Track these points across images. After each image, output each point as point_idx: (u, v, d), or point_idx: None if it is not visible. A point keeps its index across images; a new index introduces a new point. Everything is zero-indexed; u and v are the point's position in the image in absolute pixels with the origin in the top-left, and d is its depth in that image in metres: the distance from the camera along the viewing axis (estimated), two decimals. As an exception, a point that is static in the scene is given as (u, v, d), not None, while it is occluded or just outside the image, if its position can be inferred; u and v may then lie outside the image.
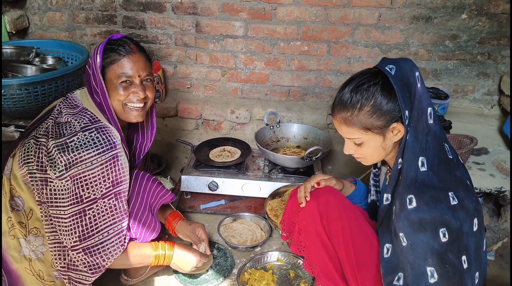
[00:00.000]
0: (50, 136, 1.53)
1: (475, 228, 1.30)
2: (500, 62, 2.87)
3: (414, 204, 1.25)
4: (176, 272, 1.96)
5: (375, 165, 1.65)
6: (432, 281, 1.23)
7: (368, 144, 1.38)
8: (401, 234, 1.27)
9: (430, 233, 1.23)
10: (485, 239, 1.40)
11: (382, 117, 1.32)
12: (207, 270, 1.97)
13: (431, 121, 1.32)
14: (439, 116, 2.44)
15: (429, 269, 1.23)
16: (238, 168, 2.45)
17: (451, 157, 1.35)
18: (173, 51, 3.05)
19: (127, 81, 1.58)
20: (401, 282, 1.29)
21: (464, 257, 1.24)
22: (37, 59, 2.57)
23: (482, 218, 1.35)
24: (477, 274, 1.30)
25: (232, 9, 2.86)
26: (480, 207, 1.35)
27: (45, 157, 1.50)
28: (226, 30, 2.93)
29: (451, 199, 1.26)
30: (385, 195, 1.42)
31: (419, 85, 1.31)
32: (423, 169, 1.29)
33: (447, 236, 1.22)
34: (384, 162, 1.59)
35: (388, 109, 1.31)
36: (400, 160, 1.33)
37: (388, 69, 1.32)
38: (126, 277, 1.90)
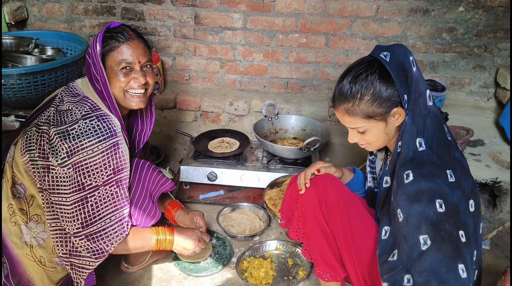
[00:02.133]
0: (51, 123, 1.55)
1: (472, 209, 1.31)
2: (496, 55, 2.90)
3: (411, 177, 1.27)
4: (176, 259, 1.99)
5: (371, 152, 1.67)
6: (424, 248, 1.20)
7: (372, 131, 1.41)
8: (398, 211, 1.28)
9: (425, 202, 1.23)
10: (482, 224, 1.42)
11: (383, 104, 1.34)
12: (207, 258, 1.99)
13: (430, 103, 1.35)
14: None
15: (421, 237, 1.21)
16: (237, 159, 2.47)
17: (450, 139, 1.38)
18: (172, 43, 3.06)
19: (128, 67, 1.59)
20: (395, 257, 1.27)
21: (462, 232, 1.24)
22: (36, 50, 2.57)
23: (479, 201, 1.37)
24: (475, 252, 1.31)
25: (231, 1, 2.87)
26: (477, 190, 1.37)
27: (46, 145, 1.52)
28: (225, 22, 2.94)
29: (449, 176, 1.28)
30: (384, 178, 1.44)
31: (414, 69, 1.34)
32: (421, 148, 1.31)
33: (443, 207, 1.22)
34: (381, 149, 1.62)
35: (388, 95, 1.34)
36: (399, 143, 1.35)
37: (383, 56, 1.34)
38: (126, 265, 1.93)
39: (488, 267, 2.05)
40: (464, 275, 1.17)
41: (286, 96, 3.07)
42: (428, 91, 1.36)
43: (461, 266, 1.18)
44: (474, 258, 1.31)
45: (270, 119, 2.71)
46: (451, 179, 1.27)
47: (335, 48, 2.96)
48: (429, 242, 1.20)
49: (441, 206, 1.22)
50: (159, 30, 3.02)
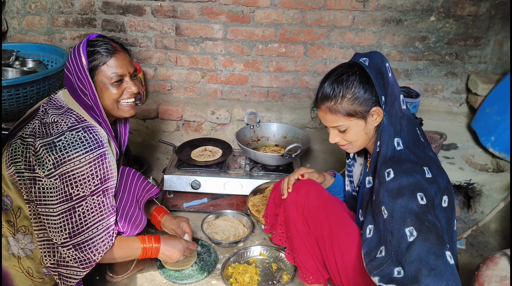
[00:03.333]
0: (37, 136, 1.56)
1: (444, 204, 1.40)
2: (467, 62, 3.03)
3: (392, 175, 1.34)
4: (161, 267, 2.01)
5: (348, 156, 1.74)
6: (411, 239, 1.23)
7: (352, 130, 1.49)
8: (382, 208, 1.34)
9: (407, 196, 1.29)
10: (456, 220, 1.50)
11: (363, 103, 1.43)
12: (192, 266, 2.01)
13: (404, 107, 1.46)
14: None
15: (407, 230, 1.25)
16: (220, 167, 2.50)
17: (423, 140, 1.48)
18: (153, 53, 3.09)
19: (119, 80, 1.63)
20: (383, 253, 1.31)
21: (438, 224, 1.29)
22: (17, 63, 2.57)
23: (453, 198, 1.46)
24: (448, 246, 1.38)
25: (211, 12, 2.93)
26: (451, 187, 1.46)
27: (32, 157, 1.53)
28: (205, 33, 2.99)
29: (426, 172, 1.36)
30: (367, 179, 1.51)
31: (390, 74, 1.44)
32: (399, 148, 1.40)
33: (425, 200, 1.29)
34: (359, 153, 1.69)
35: (367, 95, 1.43)
36: (378, 142, 1.43)
37: (362, 61, 1.44)
38: (111, 274, 1.94)
39: (463, 266, 2.13)
40: (451, 261, 1.20)
41: (267, 105, 3.13)
42: (401, 96, 1.46)
43: (448, 253, 1.21)
44: None
45: (252, 127, 2.76)
46: (428, 175, 1.36)
47: (313, 57, 3.04)
48: (415, 233, 1.24)
49: (422, 199, 1.29)
50: (140, 41, 3.05)
